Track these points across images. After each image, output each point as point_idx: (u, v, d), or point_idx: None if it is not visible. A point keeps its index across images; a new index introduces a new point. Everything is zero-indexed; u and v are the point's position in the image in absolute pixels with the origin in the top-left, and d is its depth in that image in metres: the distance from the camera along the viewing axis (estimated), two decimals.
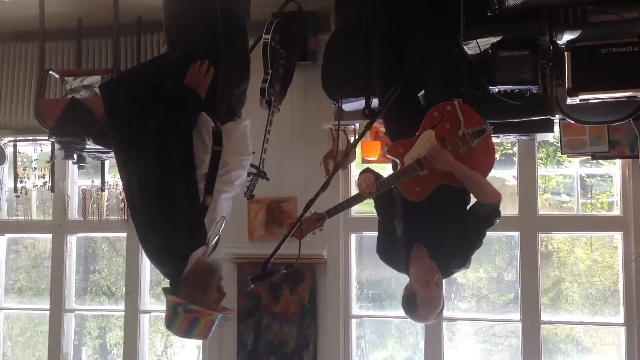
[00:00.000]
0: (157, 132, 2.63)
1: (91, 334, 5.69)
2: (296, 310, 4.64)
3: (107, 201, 5.18)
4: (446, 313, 4.62)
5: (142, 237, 2.74)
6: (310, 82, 4.46)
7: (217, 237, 2.85)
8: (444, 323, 4.63)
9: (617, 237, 4.39)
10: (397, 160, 3.08)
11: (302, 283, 4.63)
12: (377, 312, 4.86)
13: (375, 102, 3.75)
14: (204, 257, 2.70)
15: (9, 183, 5.38)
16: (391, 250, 3.17)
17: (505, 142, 4.51)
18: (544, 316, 4.48)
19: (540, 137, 4.19)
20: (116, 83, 3.22)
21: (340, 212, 3.05)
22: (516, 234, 4.49)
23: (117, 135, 2.77)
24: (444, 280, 3.04)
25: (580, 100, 3.19)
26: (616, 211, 4.41)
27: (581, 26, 3.27)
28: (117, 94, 2.80)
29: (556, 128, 4.09)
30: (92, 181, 5.20)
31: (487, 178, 3.05)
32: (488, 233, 3.04)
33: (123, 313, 5.18)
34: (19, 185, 5.27)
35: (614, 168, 4.43)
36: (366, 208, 4.23)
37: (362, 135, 3.12)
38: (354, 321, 4.74)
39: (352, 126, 4.52)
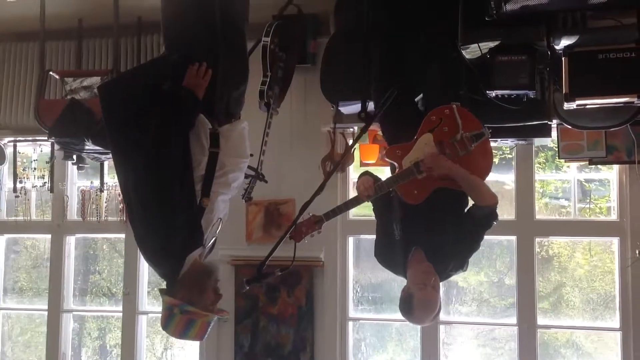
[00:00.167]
0: (154, 133, 2.63)
1: (91, 335, 5.70)
2: (293, 312, 4.65)
3: (106, 202, 5.19)
4: (446, 316, 4.65)
5: (138, 238, 2.74)
6: (310, 84, 4.46)
7: (213, 238, 2.85)
8: (443, 326, 4.64)
9: (614, 242, 4.39)
10: (395, 164, 3.08)
11: (299, 285, 4.64)
12: (379, 315, 4.85)
13: (373, 105, 3.76)
14: (200, 258, 2.70)
15: (8, 183, 5.40)
16: (389, 253, 3.16)
17: (504, 147, 4.52)
18: (544, 320, 4.49)
19: (538, 141, 4.20)
20: (115, 85, 3.22)
21: (338, 214, 3.05)
22: (513, 238, 4.50)
23: (115, 136, 2.78)
24: (442, 283, 3.04)
25: (577, 105, 3.20)
26: (613, 216, 4.42)
27: (580, 31, 3.29)
28: (115, 96, 2.81)
29: (554, 133, 4.10)
30: (91, 182, 5.22)
31: (486, 182, 3.06)
32: (489, 237, 3.04)
33: (121, 314, 5.19)
34: (19, 185, 5.29)
35: (611, 173, 4.44)
36: (364, 211, 4.24)
37: (357, 139, 3.13)
38: (351, 324, 4.74)
39: (351, 129, 4.53)
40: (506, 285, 4.73)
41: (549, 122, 3.74)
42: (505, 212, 4.52)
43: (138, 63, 4.81)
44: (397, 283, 3.07)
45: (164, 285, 2.75)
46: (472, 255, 3.09)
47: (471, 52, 3.28)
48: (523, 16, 3.12)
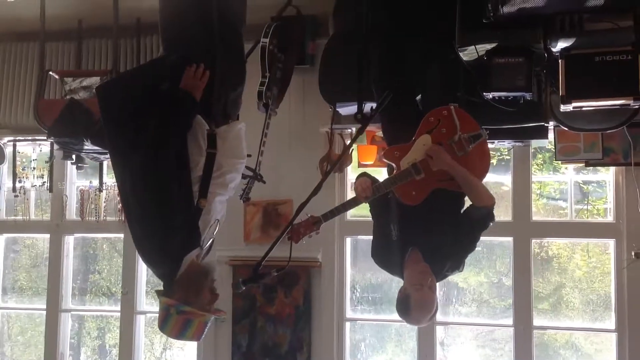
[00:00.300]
0: (152, 134, 2.64)
1: (90, 335, 5.71)
2: (290, 312, 4.66)
3: (105, 202, 5.20)
4: (445, 317, 4.66)
5: (136, 239, 2.75)
6: (308, 85, 4.47)
7: (211, 240, 2.86)
8: (442, 327, 4.66)
9: (610, 243, 4.41)
10: (393, 165, 3.09)
11: (296, 285, 4.65)
12: (379, 315, 4.86)
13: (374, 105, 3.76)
14: (197, 259, 2.71)
15: (8, 183, 5.40)
16: (386, 253, 3.18)
17: (502, 148, 4.53)
18: (543, 321, 4.51)
19: (535, 143, 4.21)
20: (113, 86, 3.23)
21: (336, 215, 3.07)
22: (510, 239, 4.51)
23: (113, 137, 2.79)
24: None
25: (573, 107, 3.20)
26: (609, 218, 4.43)
27: (577, 34, 3.29)
28: (113, 97, 2.82)
29: (551, 135, 4.10)
30: (90, 182, 5.23)
31: (483, 183, 3.08)
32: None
33: (119, 314, 5.20)
34: (18, 185, 5.29)
35: (608, 175, 4.46)
36: (362, 212, 4.25)
37: (353, 140, 3.14)
38: (348, 324, 4.76)
39: (349, 130, 4.54)
40: (506, 286, 4.73)
41: (546, 124, 3.75)
42: (503, 213, 4.54)
43: (137, 63, 4.82)
44: (398, 284, 3.08)
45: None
46: (468, 256, 3.11)
47: (468, 54, 3.29)
48: (520, 18, 3.12)
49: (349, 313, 4.78)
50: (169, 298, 2.60)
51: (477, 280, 4.80)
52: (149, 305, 5.20)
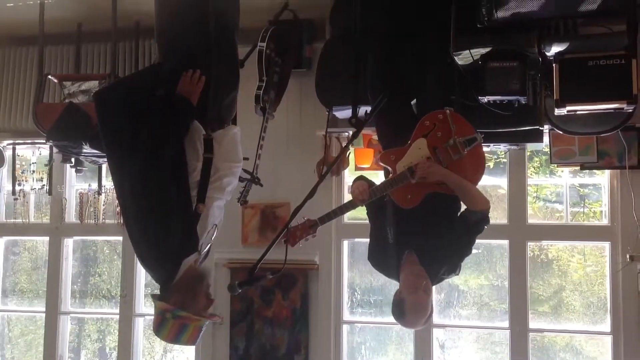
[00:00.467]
0: (150, 138, 2.65)
1: (90, 337, 5.71)
2: (288, 315, 4.68)
3: (103, 205, 5.22)
4: (444, 319, 4.67)
5: (135, 243, 2.74)
6: (305, 89, 4.50)
7: (209, 245, 2.86)
8: (442, 330, 4.69)
9: (605, 246, 4.42)
10: (390, 168, 3.10)
11: (294, 288, 4.66)
12: (380, 318, 4.86)
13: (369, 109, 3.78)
14: (195, 264, 2.70)
15: (7, 186, 5.43)
16: (382, 256, 3.18)
17: (499, 151, 4.55)
18: (543, 324, 4.52)
19: (531, 146, 4.23)
20: (110, 91, 3.24)
21: (333, 219, 3.06)
22: (506, 242, 4.53)
23: (110, 143, 2.79)
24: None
25: (567, 111, 3.22)
26: (605, 221, 4.45)
27: (570, 38, 3.32)
28: (110, 102, 2.82)
29: (546, 138, 4.12)
30: (89, 185, 5.25)
31: (479, 186, 3.09)
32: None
33: (118, 316, 5.21)
34: (17, 188, 5.32)
35: (602, 178, 4.48)
36: (359, 215, 4.27)
37: (349, 144, 3.15)
38: (345, 327, 4.77)
39: (346, 133, 4.56)
40: (506, 288, 4.76)
41: (541, 128, 3.76)
42: (499, 216, 4.55)
43: (136, 67, 4.85)
44: (397, 286, 3.09)
45: None
46: (464, 259, 3.12)
47: (463, 58, 3.32)
48: (514, 23, 3.15)
49: (347, 315, 4.79)
50: (165, 302, 2.60)
51: (478, 283, 4.81)
52: (147, 308, 5.20)
